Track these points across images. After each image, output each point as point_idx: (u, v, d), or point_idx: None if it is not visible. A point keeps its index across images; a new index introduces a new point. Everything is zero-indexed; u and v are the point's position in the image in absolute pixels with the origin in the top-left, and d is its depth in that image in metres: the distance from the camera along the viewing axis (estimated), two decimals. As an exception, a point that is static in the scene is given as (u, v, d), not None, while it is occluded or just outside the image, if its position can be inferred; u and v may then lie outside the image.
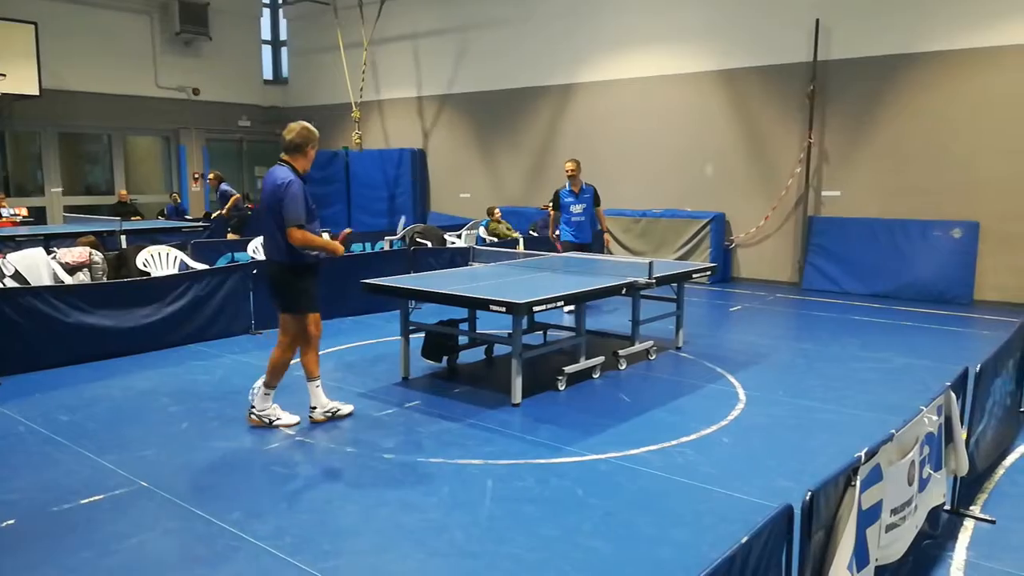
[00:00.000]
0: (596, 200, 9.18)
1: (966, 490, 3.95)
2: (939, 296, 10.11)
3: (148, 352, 7.11)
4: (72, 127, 15.86)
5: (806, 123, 11.17)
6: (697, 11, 12.11)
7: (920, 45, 10.25)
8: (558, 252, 8.89)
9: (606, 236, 9.42)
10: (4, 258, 7.80)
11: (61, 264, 8.06)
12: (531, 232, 12.62)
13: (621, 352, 6.70)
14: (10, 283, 7.41)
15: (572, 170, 9.05)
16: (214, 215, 13.48)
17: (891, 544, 2.88)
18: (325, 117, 17.93)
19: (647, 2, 12.62)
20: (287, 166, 4.92)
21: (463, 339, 6.74)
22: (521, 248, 10.45)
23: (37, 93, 14.00)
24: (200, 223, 13.20)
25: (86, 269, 8.19)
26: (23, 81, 13.79)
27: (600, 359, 6.45)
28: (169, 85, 16.82)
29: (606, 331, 7.40)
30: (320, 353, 5.29)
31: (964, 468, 3.65)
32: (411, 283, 6.32)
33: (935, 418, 3.31)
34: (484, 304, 5.53)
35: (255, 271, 8.01)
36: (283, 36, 19.31)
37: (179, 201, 16.03)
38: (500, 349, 6.98)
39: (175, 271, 8.86)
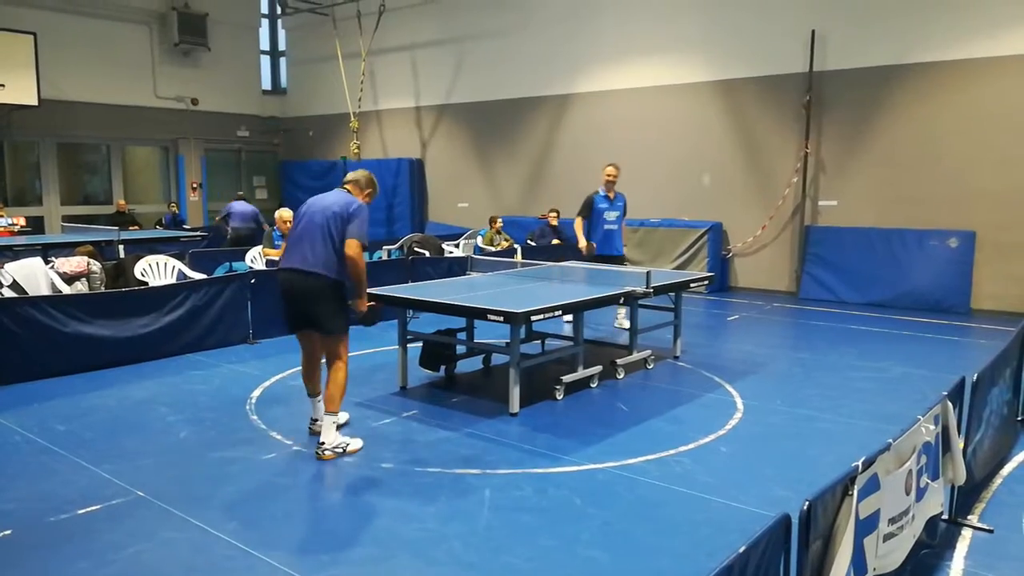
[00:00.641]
0: (624, 210, 8.70)
1: (964, 499, 3.95)
2: (936, 305, 10.13)
3: (146, 362, 7.10)
4: (71, 137, 15.88)
5: (803, 133, 11.22)
6: (694, 22, 12.17)
7: (915, 56, 10.31)
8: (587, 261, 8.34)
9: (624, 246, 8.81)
10: (2, 268, 7.79)
11: (59, 274, 8.05)
12: (528, 242, 12.64)
13: (619, 361, 6.71)
14: (8, 293, 7.41)
15: (613, 175, 8.46)
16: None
17: (889, 554, 2.88)
18: (323, 127, 18.02)
19: (644, 13, 12.68)
20: (350, 193, 4.89)
21: (461, 348, 6.74)
22: (519, 258, 10.45)
23: (36, 103, 14.02)
24: (198, 233, 13.18)
25: (84, 279, 8.19)
26: (22, 91, 13.81)
27: (598, 368, 6.45)
28: (168, 95, 16.86)
29: (604, 340, 7.40)
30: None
31: (962, 477, 3.66)
32: (409, 292, 6.33)
33: (932, 427, 3.31)
34: (482, 313, 5.53)
35: (253, 281, 8.01)
36: (282, 46, 19.36)
37: (177, 211, 16.03)
38: (498, 358, 6.97)
39: (173, 281, 8.87)
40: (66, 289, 7.92)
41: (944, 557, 3.55)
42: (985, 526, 3.84)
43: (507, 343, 5.75)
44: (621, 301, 6.62)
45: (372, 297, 6.18)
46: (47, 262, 8.33)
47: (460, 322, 6.66)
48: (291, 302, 4.83)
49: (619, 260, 8.49)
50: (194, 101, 17.21)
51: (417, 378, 6.54)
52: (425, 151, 16.36)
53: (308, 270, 4.69)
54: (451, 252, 11.99)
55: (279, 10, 18.54)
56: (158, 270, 9.13)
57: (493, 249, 12.04)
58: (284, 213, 9.56)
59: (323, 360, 5.02)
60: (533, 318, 5.50)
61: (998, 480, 4.48)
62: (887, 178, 10.69)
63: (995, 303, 9.92)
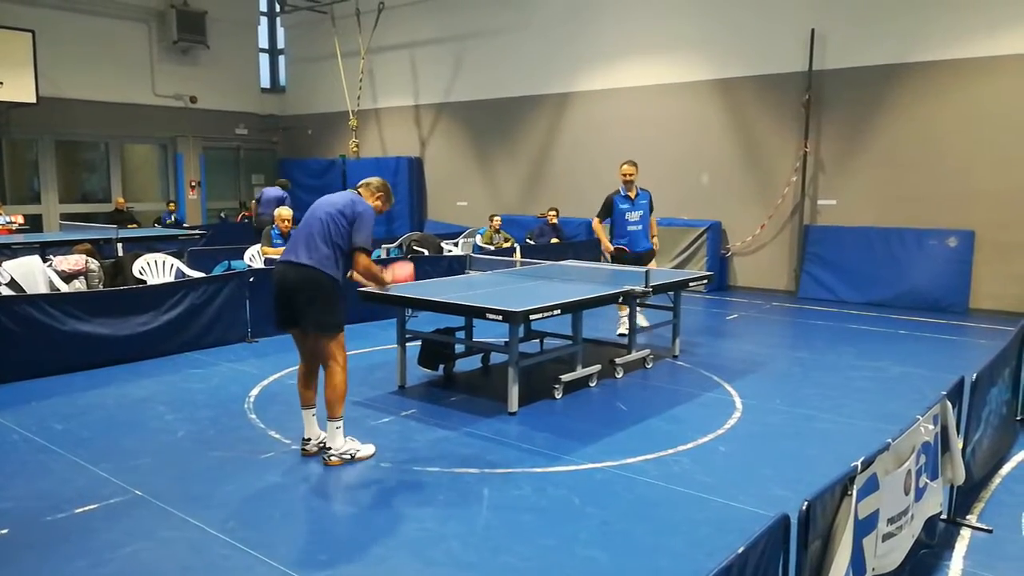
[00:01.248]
0: (651, 206, 8.32)
1: (963, 499, 3.95)
2: (935, 305, 10.13)
3: (144, 360, 7.09)
4: (69, 135, 15.85)
5: (802, 132, 11.21)
6: (694, 21, 12.16)
7: (915, 55, 10.30)
8: (610, 263, 8.17)
9: (655, 241, 8.40)
10: (0, 266, 7.78)
11: (57, 272, 8.05)
12: (528, 241, 12.63)
13: (618, 360, 6.70)
14: (6, 291, 7.40)
15: (631, 174, 8.13)
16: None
17: (888, 554, 2.88)
18: (322, 125, 18.00)
19: (644, 12, 12.67)
20: (360, 195, 4.82)
21: (459, 347, 6.73)
22: (518, 256, 10.44)
23: (34, 101, 13.98)
24: (197, 231, 13.17)
25: (82, 277, 8.18)
26: (20, 89, 13.77)
27: (597, 367, 6.45)
28: (166, 93, 16.83)
29: (603, 339, 7.40)
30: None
31: (961, 477, 3.65)
32: (407, 291, 6.31)
33: (931, 427, 3.31)
34: (481, 312, 5.53)
35: (252, 279, 8.00)
36: (281, 44, 19.34)
37: (175, 210, 16.01)
38: (497, 357, 6.97)
39: (171, 279, 8.85)
40: (64, 287, 7.91)
41: (943, 557, 3.55)
42: (984, 526, 3.84)
43: (506, 342, 5.74)
44: (620, 300, 6.61)
45: (370, 296, 6.18)
46: (45, 260, 8.32)
47: (459, 321, 6.66)
48: (281, 295, 4.65)
49: (649, 256, 8.17)
50: (193, 99, 17.18)
51: (416, 377, 6.53)
52: (424, 149, 16.34)
53: (302, 263, 4.56)
54: (450, 251, 11.98)
55: (278, 8, 18.53)
56: (156, 268, 9.12)
57: (492, 248, 12.03)
58: (283, 212, 9.56)
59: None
60: (532, 317, 5.49)
61: (997, 480, 4.48)
62: (886, 177, 10.68)
63: (994, 302, 9.92)
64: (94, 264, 8.36)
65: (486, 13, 14.80)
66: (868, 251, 10.75)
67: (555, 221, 12.76)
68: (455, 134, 15.76)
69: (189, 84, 17.12)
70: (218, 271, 9.14)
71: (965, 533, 3.79)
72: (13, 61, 13.64)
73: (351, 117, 16.34)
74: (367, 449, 4.77)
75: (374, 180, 5.01)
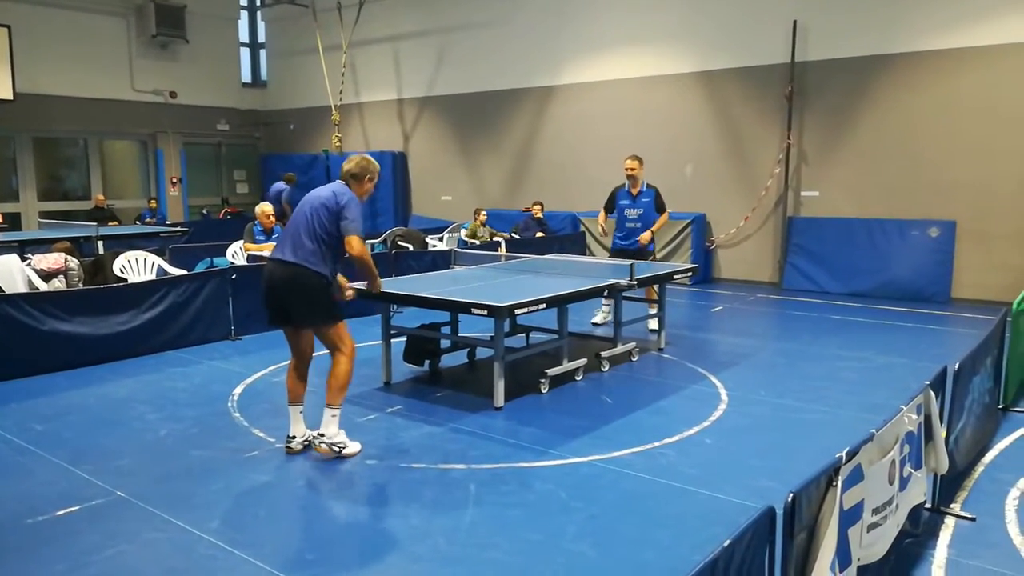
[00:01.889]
0: (658, 205, 8.01)
1: (946, 488, 3.98)
2: (917, 294, 10.21)
3: (125, 359, 7.00)
4: (47, 131, 15.62)
5: (785, 124, 11.25)
6: (676, 13, 12.16)
7: (896, 46, 10.36)
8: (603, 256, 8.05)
9: (643, 236, 7.97)
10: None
11: (36, 271, 7.94)
12: (513, 235, 12.61)
13: (604, 354, 6.70)
14: (-17, 291, 7.29)
15: (632, 168, 7.90)
16: None
17: (873, 544, 2.89)
18: (304, 120, 17.87)
19: (626, 5, 12.65)
20: (348, 187, 4.73)
21: (445, 343, 6.71)
22: (503, 251, 10.42)
23: (11, 97, 13.80)
24: (179, 228, 13.04)
25: (62, 276, 8.07)
26: (-4, 85, 13.60)
27: (583, 361, 6.45)
28: (146, 88, 16.63)
29: (588, 333, 7.39)
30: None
31: (944, 466, 3.68)
32: (392, 286, 6.27)
33: (915, 417, 3.32)
34: (466, 307, 5.51)
35: (234, 276, 7.93)
36: (261, 39, 19.15)
37: (156, 207, 15.85)
38: (482, 352, 6.95)
39: (152, 277, 8.76)
40: (43, 286, 7.81)
41: (927, 546, 3.58)
42: (967, 514, 3.88)
43: (491, 337, 5.72)
44: (605, 294, 6.60)
45: (355, 291, 6.13)
46: (24, 259, 8.21)
47: (444, 316, 6.63)
48: (270, 292, 4.66)
49: (637, 254, 7.83)
50: (172, 94, 17.00)
51: (401, 373, 6.51)
52: (408, 144, 16.27)
53: (288, 260, 4.56)
54: (435, 246, 11.93)
55: (259, 2, 18.35)
56: (137, 266, 9.02)
57: (478, 242, 11.99)
58: (265, 207, 9.48)
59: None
60: (517, 311, 5.48)
61: (980, 468, 4.52)
62: (868, 168, 10.74)
63: (976, 292, 10.01)
64: (74, 262, 8.25)
65: (469, 6, 14.73)
66: (851, 242, 10.82)
67: (540, 215, 12.74)
68: (439, 128, 15.69)
69: (169, 79, 16.93)
70: (200, 268, 9.06)
71: (949, 522, 3.82)
72: (-11, 57, 13.45)
73: (334, 112, 16.24)
74: (353, 447, 4.75)
75: (357, 168, 4.78)
